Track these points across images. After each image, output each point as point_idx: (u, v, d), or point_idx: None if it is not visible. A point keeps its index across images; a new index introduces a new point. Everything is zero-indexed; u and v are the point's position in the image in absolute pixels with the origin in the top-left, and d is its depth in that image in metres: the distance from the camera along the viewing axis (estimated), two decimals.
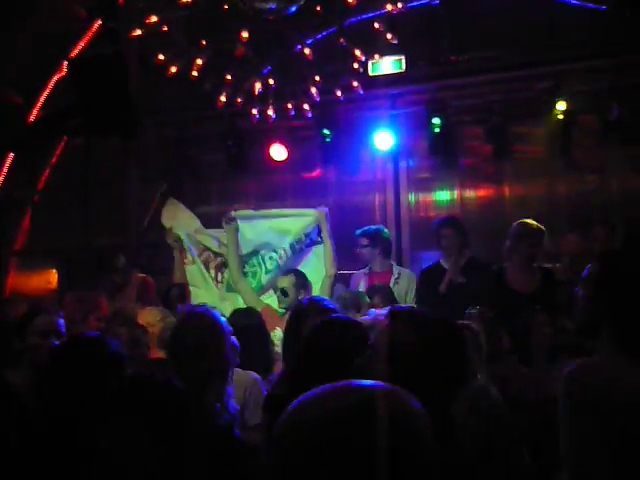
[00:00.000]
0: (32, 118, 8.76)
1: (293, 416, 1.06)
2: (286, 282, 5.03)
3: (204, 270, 5.76)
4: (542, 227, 5.54)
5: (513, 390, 3.47)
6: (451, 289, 5.73)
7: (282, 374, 3.10)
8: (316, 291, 5.25)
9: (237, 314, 4.12)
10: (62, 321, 3.55)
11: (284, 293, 4.99)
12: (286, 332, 3.21)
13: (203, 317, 3.00)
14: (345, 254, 6.35)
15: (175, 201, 6.38)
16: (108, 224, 8.99)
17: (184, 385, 2.23)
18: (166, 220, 6.22)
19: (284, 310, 4.98)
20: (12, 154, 8.86)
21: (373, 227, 6.33)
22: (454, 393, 1.94)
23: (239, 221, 5.69)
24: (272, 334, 4.86)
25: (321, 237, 5.54)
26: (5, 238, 9.30)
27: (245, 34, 5.52)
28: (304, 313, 3.07)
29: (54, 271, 9.69)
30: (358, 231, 6.19)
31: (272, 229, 5.72)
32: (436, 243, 6.21)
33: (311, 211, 5.70)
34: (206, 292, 5.64)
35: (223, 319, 3.09)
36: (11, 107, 8.65)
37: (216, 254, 5.83)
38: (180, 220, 6.09)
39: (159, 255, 8.53)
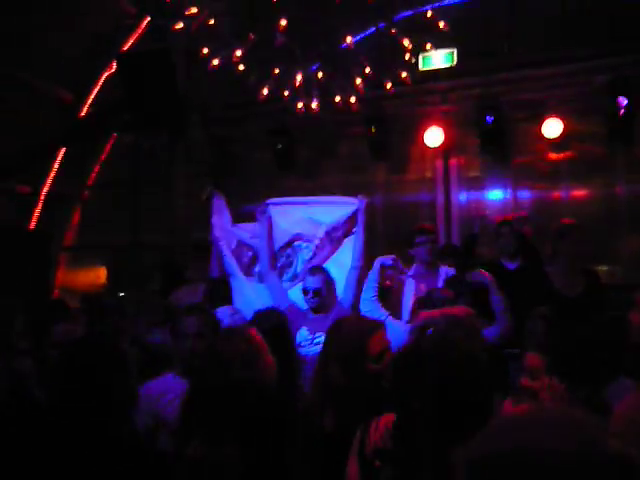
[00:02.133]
0: (82, 114, 8.84)
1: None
2: (319, 282, 4.80)
3: (235, 264, 5.61)
4: (581, 225, 5.29)
5: None
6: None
7: None
8: (341, 285, 5.00)
9: (258, 317, 3.92)
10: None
11: (317, 293, 4.78)
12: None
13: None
14: (393, 252, 6.12)
15: (221, 196, 6.21)
16: (156, 221, 9.00)
17: None
18: (214, 215, 6.08)
19: (316, 310, 4.79)
20: (63, 150, 8.95)
21: (431, 224, 5.95)
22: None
23: (272, 208, 5.50)
24: (298, 334, 4.69)
25: (356, 228, 5.26)
26: (55, 233, 9.41)
27: (283, 22, 5.37)
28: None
29: (103, 267, 9.77)
30: (416, 228, 5.81)
31: (307, 218, 5.48)
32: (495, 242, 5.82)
33: (349, 200, 5.45)
34: (240, 284, 5.49)
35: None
36: (62, 104, 8.75)
37: (248, 246, 5.67)
38: (222, 215, 5.95)
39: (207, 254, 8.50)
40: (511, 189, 8.18)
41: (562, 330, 3.86)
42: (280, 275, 5.39)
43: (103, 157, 9.55)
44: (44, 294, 8.41)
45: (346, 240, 5.34)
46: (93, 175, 9.62)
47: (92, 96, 8.91)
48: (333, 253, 5.35)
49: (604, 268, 6.98)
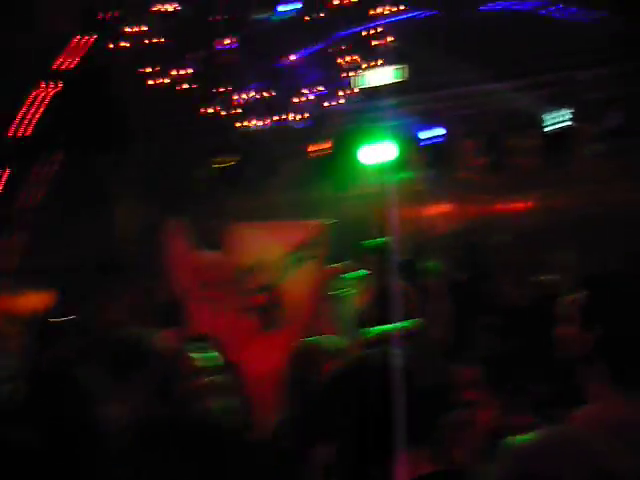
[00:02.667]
0: (18, 134, 8.59)
1: None
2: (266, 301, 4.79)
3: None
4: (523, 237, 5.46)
5: None
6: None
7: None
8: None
9: None
10: None
11: (266, 310, 4.76)
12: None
13: None
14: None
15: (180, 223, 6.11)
16: (100, 241, 8.79)
17: None
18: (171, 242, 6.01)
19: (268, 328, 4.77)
20: None
21: (379, 240, 6.01)
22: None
23: (234, 231, 5.48)
24: None
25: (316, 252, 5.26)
26: None
27: (227, 41, 5.39)
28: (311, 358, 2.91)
29: (45, 290, 9.47)
30: (366, 243, 5.85)
31: (268, 242, 5.49)
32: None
33: (311, 224, 5.45)
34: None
35: None
36: None
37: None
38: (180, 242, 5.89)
39: (149, 274, 8.35)
40: (455, 202, 8.32)
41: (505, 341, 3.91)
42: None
43: (42, 177, 9.28)
44: None
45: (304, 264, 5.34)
46: (31, 196, 9.33)
47: (29, 116, 8.66)
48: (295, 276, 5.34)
49: (542, 278, 7.15)
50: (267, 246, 5.38)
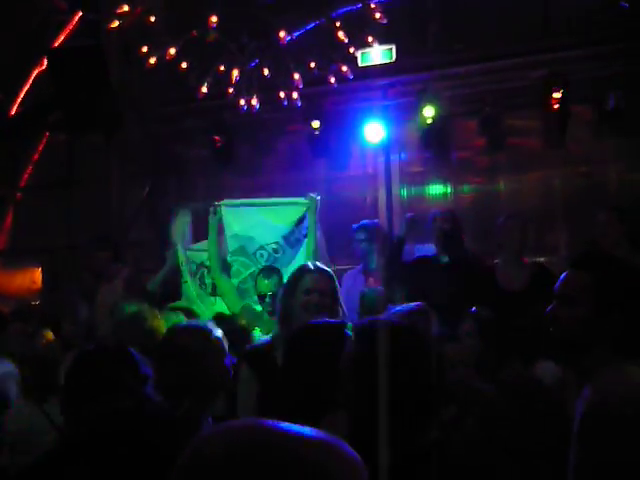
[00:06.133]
0: (12, 113, 8.52)
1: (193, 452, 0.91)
2: (273, 285, 4.71)
3: (199, 288, 5.57)
4: (522, 217, 5.40)
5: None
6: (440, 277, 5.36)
7: None
8: None
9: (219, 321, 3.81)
10: None
11: (272, 297, 4.67)
12: None
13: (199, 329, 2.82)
14: (336, 250, 6.13)
15: (186, 213, 6.12)
16: (92, 221, 8.76)
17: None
18: (175, 235, 5.99)
19: (270, 313, 4.71)
20: None
21: (370, 221, 6.08)
22: (427, 416, 1.80)
23: (226, 208, 5.39)
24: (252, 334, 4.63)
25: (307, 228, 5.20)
26: None
27: (214, 19, 5.27)
28: None
29: (38, 270, 9.47)
30: (355, 225, 5.94)
31: (261, 220, 5.40)
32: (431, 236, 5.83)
33: (301, 200, 5.38)
34: (197, 309, 5.40)
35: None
36: None
37: (208, 267, 5.60)
38: (184, 237, 5.88)
39: (144, 253, 8.33)
40: (451, 184, 8.26)
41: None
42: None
43: (36, 157, 9.23)
44: None
45: (305, 240, 5.28)
46: (25, 176, 9.29)
47: (22, 94, 8.59)
48: (295, 257, 5.28)
49: (541, 260, 7.11)
50: (261, 225, 5.34)
